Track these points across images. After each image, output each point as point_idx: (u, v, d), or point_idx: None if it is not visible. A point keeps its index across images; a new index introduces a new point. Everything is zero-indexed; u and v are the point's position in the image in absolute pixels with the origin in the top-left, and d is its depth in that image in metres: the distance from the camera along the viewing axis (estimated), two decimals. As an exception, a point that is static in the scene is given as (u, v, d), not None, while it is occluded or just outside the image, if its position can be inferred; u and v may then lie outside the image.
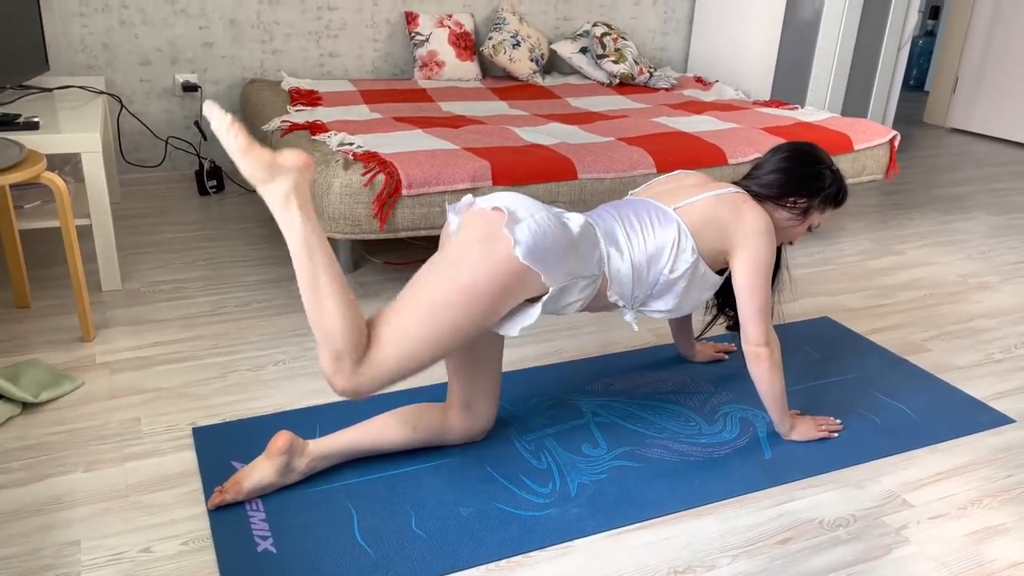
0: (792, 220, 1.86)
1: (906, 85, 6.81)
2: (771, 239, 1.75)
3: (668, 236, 1.73)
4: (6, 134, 2.29)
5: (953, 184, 4.16)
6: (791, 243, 1.94)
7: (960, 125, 5.39)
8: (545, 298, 1.60)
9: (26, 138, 2.28)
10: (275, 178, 1.45)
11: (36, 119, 2.37)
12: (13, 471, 1.68)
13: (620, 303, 1.74)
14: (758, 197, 1.84)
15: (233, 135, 1.42)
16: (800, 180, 1.83)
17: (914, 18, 4.37)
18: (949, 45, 5.40)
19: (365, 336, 1.50)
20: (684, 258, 1.73)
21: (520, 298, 1.59)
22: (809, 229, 1.91)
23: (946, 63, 5.43)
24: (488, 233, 1.56)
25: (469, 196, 1.68)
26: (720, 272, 1.84)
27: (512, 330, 1.61)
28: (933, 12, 6.79)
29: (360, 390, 1.50)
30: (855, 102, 4.42)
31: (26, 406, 1.89)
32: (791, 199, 1.84)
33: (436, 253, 1.63)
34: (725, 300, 2.03)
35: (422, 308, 1.51)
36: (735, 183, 1.88)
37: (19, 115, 2.37)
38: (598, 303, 1.74)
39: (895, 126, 5.28)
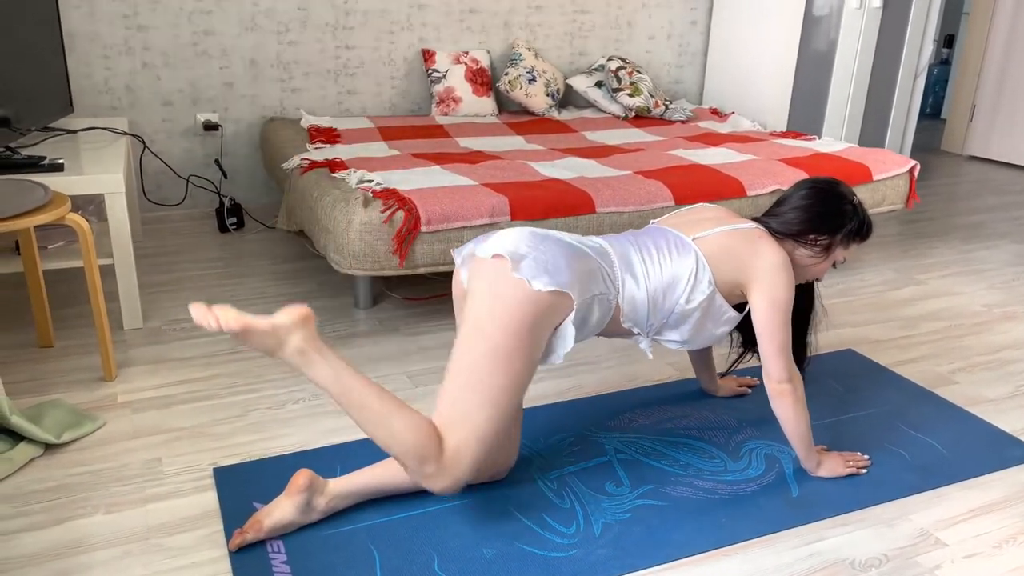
0: (814, 258, 1.84)
1: (922, 113, 6.80)
2: (788, 275, 1.74)
3: (686, 266, 1.72)
4: (31, 176, 2.32)
5: (973, 212, 4.12)
6: (818, 279, 1.92)
7: (978, 153, 5.36)
8: (572, 315, 1.61)
9: (51, 180, 2.31)
10: (283, 342, 1.48)
11: (60, 161, 2.41)
12: (35, 513, 1.67)
13: (635, 330, 1.74)
14: (778, 234, 1.83)
15: (226, 324, 1.43)
16: (821, 218, 1.82)
17: (929, 47, 4.37)
18: (965, 73, 5.39)
19: (435, 431, 1.52)
20: (701, 289, 1.72)
21: (552, 327, 1.61)
22: (834, 265, 1.89)
23: (962, 91, 5.42)
24: (498, 284, 1.57)
25: (471, 243, 1.70)
26: (738, 308, 1.82)
27: (556, 359, 1.65)
28: (948, 41, 6.79)
29: (459, 479, 1.52)
30: (872, 131, 4.41)
31: (48, 447, 1.90)
32: (811, 236, 1.82)
33: (459, 318, 1.66)
34: (748, 337, 2.01)
35: (472, 385, 1.53)
36: (755, 219, 1.87)
37: (44, 157, 2.40)
38: (613, 328, 1.74)
39: (913, 154, 5.25)
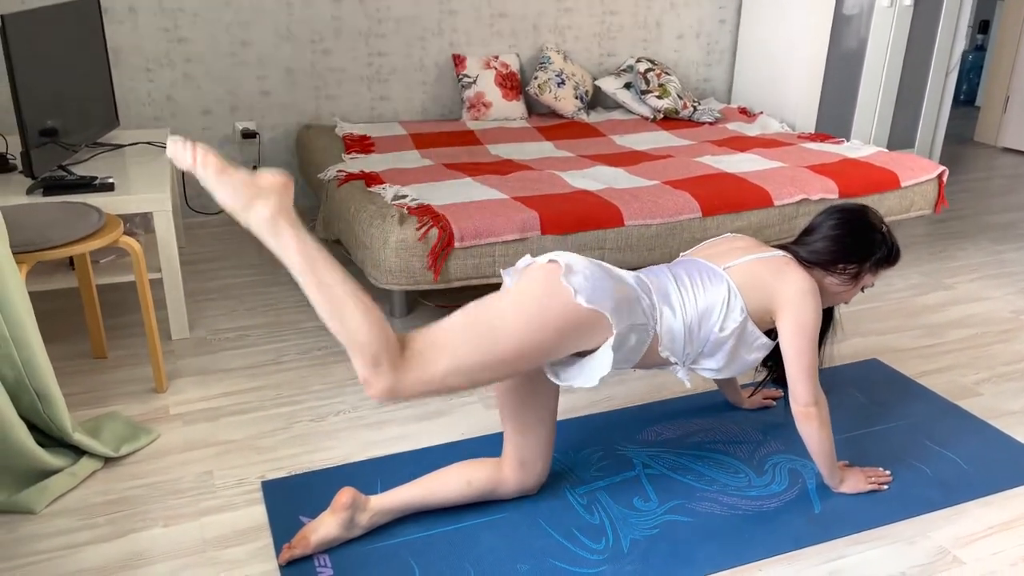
0: (842, 285, 1.89)
1: (956, 100, 6.71)
2: (814, 301, 1.79)
3: (718, 295, 1.78)
4: (85, 197, 2.43)
5: (1006, 210, 4.11)
6: (846, 303, 1.97)
7: (1012, 144, 5.30)
8: (612, 340, 1.64)
9: (102, 200, 2.42)
10: (256, 200, 1.41)
11: (111, 180, 2.51)
12: (99, 526, 1.79)
13: (672, 359, 1.80)
14: (806, 263, 1.88)
15: (202, 164, 1.37)
16: (850, 248, 1.86)
17: (962, 43, 4.34)
18: (999, 62, 5.32)
19: (393, 336, 1.48)
20: (733, 317, 1.78)
21: (582, 343, 1.65)
22: (862, 290, 1.93)
23: (997, 81, 5.35)
24: (547, 284, 1.64)
25: (527, 256, 1.78)
26: (771, 334, 1.88)
27: (590, 382, 1.66)
28: (982, 27, 6.69)
29: (400, 389, 1.47)
30: (903, 127, 4.40)
31: (107, 459, 2.02)
32: (840, 265, 1.87)
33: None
34: (777, 362, 2.05)
35: (482, 324, 1.56)
36: (783, 247, 1.92)
37: (95, 177, 2.51)
38: (650, 359, 1.79)
39: (945, 145, 5.21)
